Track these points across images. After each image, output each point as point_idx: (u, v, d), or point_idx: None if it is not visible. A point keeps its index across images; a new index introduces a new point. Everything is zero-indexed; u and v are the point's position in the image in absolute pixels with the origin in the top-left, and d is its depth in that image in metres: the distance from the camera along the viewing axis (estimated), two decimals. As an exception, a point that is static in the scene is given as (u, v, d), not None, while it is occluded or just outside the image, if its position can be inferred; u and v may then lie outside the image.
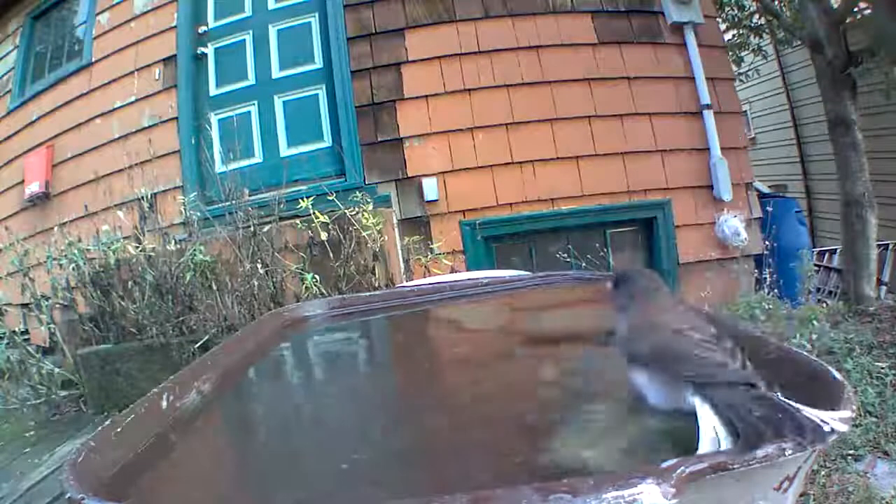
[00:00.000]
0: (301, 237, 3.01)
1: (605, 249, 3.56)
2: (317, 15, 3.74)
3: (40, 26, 4.65)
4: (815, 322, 2.75)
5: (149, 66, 3.89)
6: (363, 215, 2.93)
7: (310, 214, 2.94)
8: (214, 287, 2.88)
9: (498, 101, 3.55)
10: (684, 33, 3.70)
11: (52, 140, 4.20)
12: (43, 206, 4.20)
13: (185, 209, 3.29)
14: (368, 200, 3.01)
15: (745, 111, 8.71)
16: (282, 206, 3.12)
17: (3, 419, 2.93)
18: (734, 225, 3.51)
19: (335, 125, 3.61)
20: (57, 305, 3.22)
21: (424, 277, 3.02)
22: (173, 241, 3.17)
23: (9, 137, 4.50)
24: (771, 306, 3.04)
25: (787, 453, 0.49)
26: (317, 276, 2.81)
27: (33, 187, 4.16)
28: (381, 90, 3.56)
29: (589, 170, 3.55)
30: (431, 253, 3.24)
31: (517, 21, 3.64)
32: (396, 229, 3.31)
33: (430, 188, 3.46)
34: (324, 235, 2.91)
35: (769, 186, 6.60)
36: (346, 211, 2.96)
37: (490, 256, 3.55)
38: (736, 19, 6.14)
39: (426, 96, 3.55)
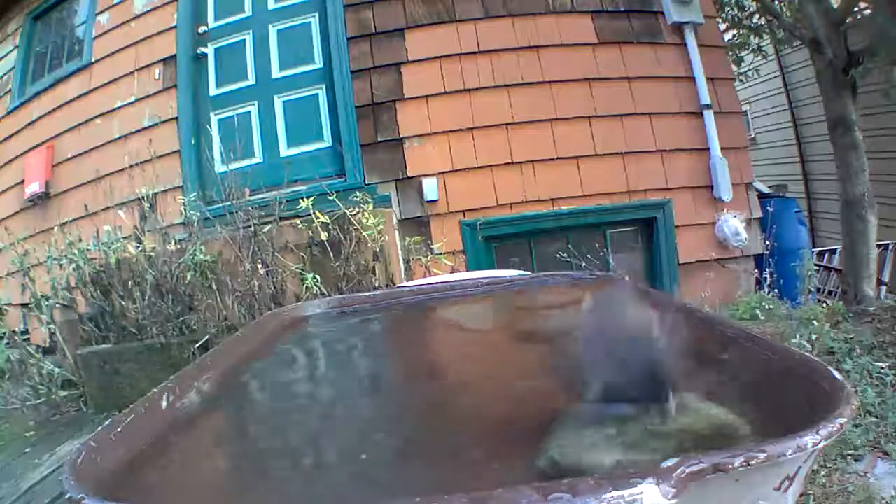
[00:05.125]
0: (301, 237, 3.01)
1: (605, 249, 3.56)
2: (317, 15, 3.73)
3: (40, 26, 4.65)
4: (815, 322, 2.74)
5: (149, 66, 3.88)
6: (363, 215, 2.93)
7: (310, 214, 2.94)
8: (215, 287, 2.87)
9: (498, 101, 3.55)
10: (684, 33, 3.70)
11: (52, 140, 4.19)
12: (43, 206, 4.20)
13: (185, 209, 3.29)
14: (369, 200, 3.01)
15: (745, 111, 8.73)
16: (282, 205, 3.11)
17: (3, 419, 2.92)
18: (734, 225, 3.51)
19: (335, 125, 3.61)
20: (57, 305, 3.22)
21: (425, 277, 3.02)
22: (173, 241, 3.17)
23: (9, 137, 4.50)
24: (771, 306, 3.04)
25: (787, 454, 0.49)
26: (317, 276, 2.81)
27: (33, 187, 4.15)
28: (381, 90, 3.56)
29: (589, 170, 3.55)
30: (432, 253, 3.24)
31: (517, 21, 3.63)
32: (397, 229, 3.31)
33: (430, 188, 3.46)
34: (324, 235, 2.90)
35: (769, 186, 6.59)
36: (346, 211, 2.96)
37: (490, 256, 3.55)
38: (736, 19, 6.14)
39: (426, 96, 3.55)
